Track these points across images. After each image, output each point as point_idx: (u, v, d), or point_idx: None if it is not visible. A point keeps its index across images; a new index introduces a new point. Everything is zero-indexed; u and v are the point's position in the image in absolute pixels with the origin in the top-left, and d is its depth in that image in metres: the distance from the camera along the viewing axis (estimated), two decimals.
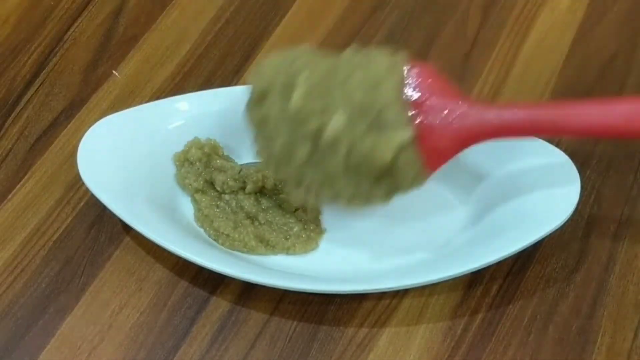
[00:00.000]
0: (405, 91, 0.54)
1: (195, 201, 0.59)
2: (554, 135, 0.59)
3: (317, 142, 0.53)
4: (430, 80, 0.54)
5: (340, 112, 0.53)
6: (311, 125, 0.53)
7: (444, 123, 0.54)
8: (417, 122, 0.53)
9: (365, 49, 0.56)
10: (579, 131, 0.56)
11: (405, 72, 0.54)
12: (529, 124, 0.54)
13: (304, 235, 0.58)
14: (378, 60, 0.55)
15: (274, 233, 0.58)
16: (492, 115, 0.54)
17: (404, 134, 0.53)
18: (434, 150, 0.54)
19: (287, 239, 0.58)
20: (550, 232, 0.55)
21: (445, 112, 0.54)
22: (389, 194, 0.55)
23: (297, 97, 0.53)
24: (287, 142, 0.54)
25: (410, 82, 0.54)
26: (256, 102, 0.56)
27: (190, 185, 0.59)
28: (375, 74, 0.54)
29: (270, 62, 0.56)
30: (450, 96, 0.54)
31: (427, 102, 0.54)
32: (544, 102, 0.56)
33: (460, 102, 0.54)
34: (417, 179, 0.54)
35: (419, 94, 0.54)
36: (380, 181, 0.54)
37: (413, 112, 0.53)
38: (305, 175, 0.55)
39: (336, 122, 0.53)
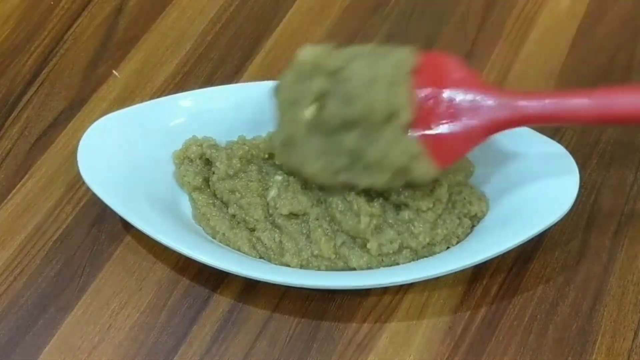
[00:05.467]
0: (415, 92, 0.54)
1: (192, 199, 0.59)
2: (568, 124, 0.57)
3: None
4: (438, 72, 0.54)
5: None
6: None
7: (453, 123, 0.54)
8: (424, 128, 0.53)
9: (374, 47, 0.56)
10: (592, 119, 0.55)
11: (412, 67, 0.54)
12: (549, 113, 0.53)
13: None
14: (388, 58, 0.55)
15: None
16: (509, 106, 0.54)
17: (412, 148, 0.53)
18: (444, 149, 0.54)
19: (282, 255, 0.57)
20: (550, 225, 0.55)
21: (456, 108, 0.54)
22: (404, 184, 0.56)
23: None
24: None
25: (419, 79, 0.54)
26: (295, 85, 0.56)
27: (189, 183, 0.59)
28: (386, 73, 0.54)
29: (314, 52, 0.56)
30: (462, 85, 0.54)
31: (438, 99, 0.54)
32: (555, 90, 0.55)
33: (470, 93, 0.54)
34: (428, 175, 0.54)
35: (428, 92, 0.54)
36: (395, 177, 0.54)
37: (421, 113, 0.53)
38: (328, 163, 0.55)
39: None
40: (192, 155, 0.59)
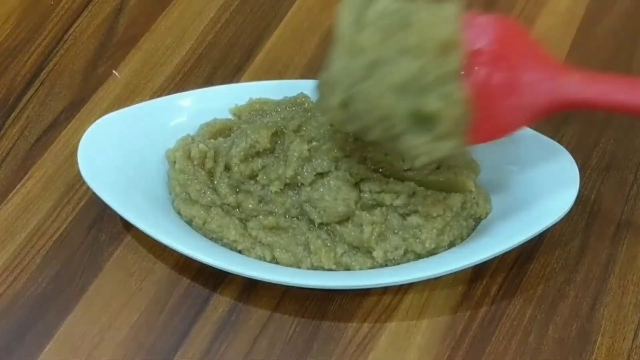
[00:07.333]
0: (470, 39, 0.48)
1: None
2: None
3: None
4: (503, 32, 0.49)
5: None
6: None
7: (513, 85, 0.48)
8: (476, 77, 0.48)
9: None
10: None
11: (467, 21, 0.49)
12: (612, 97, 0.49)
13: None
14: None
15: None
16: (577, 85, 0.48)
17: (455, 91, 0.48)
18: (490, 117, 0.49)
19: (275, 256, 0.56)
20: (550, 225, 0.55)
21: (518, 71, 0.48)
22: (428, 144, 0.49)
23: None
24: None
25: (476, 31, 0.49)
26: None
27: (174, 189, 0.58)
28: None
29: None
30: (526, 55, 0.49)
31: (495, 56, 0.48)
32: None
33: (534, 65, 0.48)
34: (457, 141, 0.49)
35: (485, 44, 0.48)
36: (421, 125, 0.49)
37: (475, 65, 0.48)
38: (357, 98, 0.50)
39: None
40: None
